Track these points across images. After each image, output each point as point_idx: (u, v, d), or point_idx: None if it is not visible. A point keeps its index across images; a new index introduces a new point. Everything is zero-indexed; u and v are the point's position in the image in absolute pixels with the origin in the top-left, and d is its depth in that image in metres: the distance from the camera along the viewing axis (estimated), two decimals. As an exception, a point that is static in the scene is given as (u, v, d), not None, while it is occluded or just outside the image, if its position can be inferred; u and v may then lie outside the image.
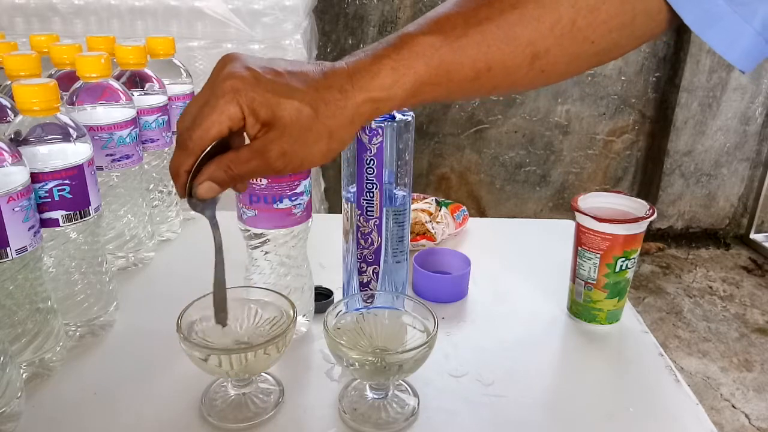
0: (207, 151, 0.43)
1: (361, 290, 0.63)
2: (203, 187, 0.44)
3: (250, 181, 0.55)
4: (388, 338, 0.54)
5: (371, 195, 0.58)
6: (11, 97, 0.58)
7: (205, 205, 0.46)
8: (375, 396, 0.54)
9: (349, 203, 0.60)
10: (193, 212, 0.92)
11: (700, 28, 0.42)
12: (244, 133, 0.43)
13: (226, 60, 0.42)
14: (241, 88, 0.40)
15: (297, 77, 0.41)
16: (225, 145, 0.44)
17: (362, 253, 0.61)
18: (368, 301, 0.56)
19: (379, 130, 0.55)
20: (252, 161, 0.42)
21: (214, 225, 0.48)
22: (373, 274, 0.62)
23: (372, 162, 0.57)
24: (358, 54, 0.43)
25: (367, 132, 0.56)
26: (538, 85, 0.46)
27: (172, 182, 0.83)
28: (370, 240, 0.61)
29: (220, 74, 0.41)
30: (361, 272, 0.62)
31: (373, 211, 0.59)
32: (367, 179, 0.58)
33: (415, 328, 0.54)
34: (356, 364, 0.49)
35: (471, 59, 0.42)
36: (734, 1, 0.41)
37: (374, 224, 0.60)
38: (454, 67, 0.42)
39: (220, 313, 0.50)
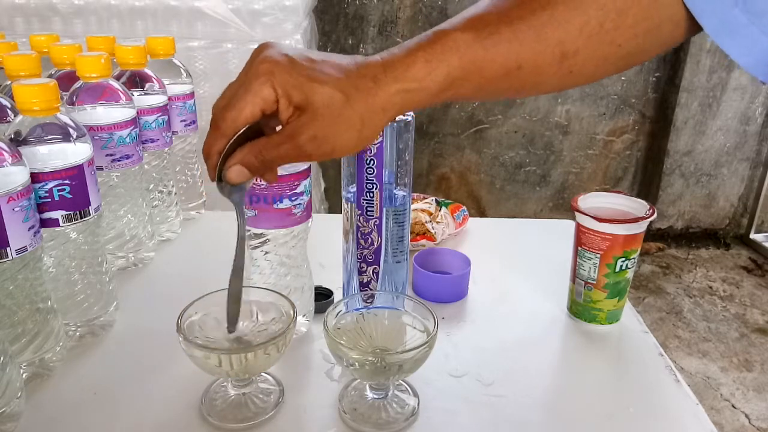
0: (240, 136, 0.43)
1: (361, 290, 0.63)
2: (233, 171, 0.44)
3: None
4: (388, 338, 0.54)
5: (371, 195, 0.58)
6: (11, 97, 0.58)
7: (233, 190, 0.46)
8: (375, 396, 0.54)
9: (349, 203, 0.60)
10: (193, 212, 0.92)
11: (719, 37, 0.43)
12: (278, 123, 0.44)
13: (263, 47, 0.43)
14: (275, 71, 0.41)
15: (331, 65, 0.42)
16: (259, 133, 0.44)
17: (362, 253, 0.61)
18: (368, 301, 0.56)
19: None
20: (283, 145, 0.43)
21: (241, 212, 0.48)
22: (373, 274, 0.62)
23: (372, 162, 0.57)
24: (392, 49, 0.44)
25: None
26: (564, 86, 0.46)
27: (172, 182, 0.84)
28: (370, 240, 0.61)
29: (257, 59, 0.42)
30: (361, 272, 0.62)
31: (373, 211, 0.59)
32: (367, 179, 0.58)
33: (415, 328, 0.54)
34: (356, 364, 0.49)
35: (502, 56, 0.43)
36: (752, 12, 0.41)
37: (374, 224, 0.60)
38: (486, 63, 0.43)
39: (234, 305, 0.50)
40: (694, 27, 0.44)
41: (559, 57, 0.43)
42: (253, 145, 0.44)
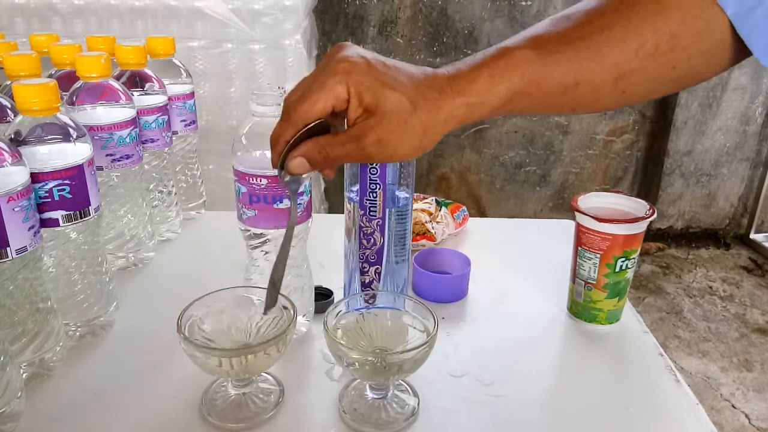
0: (308, 130, 0.45)
1: (362, 290, 0.63)
2: (296, 162, 0.46)
3: (250, 181, 0.55)
4: (388, 338, 0.54)
5: (374, 195, 0.58)
6: (11, 97, 0.58)
7: (292, 179, 0.48)
8: (375, 396, 0.54)
9: (351, 203, 0.60)
10: (193, 212, 0.92)
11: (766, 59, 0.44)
12: (344, 124, 0.46)
13: (341, 46, 0.45)
14: (352, 71, 0.43)
15: (403, 74, 0.44)
16: (324, 130, 0.46)
17: (364, 254, 0.61)
18: (370, 301, 0.56)
19: None
20: (347, 145, 0.44)
21: (295, 200, 0.50)
22: (375, 275, 0.62)
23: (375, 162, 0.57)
24: (457, 63, 0.46)
25: None
26: (618, 104, 0.48)
27: (172, 182, 0.84)
28: (372, 240, 0.61)
29: (335, 57, 0.44)
30: (363, 272, 0.62)
31: (376, 211, 0.59)
32: (370, 179, 0.58)
33: (415, 328, 0.54)
34: (356, 364, 0.49)
35: (561, 74, 0.45)
36: None
37: (377, 224, 0.60)
38: (545, 80, 0.45)
39: (273, 290, 0.51)
40: (742, 53, 0.45)
41: (615, 77, 0.45)
42: (318, 140, 0.45)
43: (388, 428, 0.52)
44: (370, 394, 0.54)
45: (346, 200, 0.61)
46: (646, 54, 0.44)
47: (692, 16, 0.44)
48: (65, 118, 0.56)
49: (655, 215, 0.64)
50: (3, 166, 0.48)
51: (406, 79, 0.44)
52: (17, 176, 0.49)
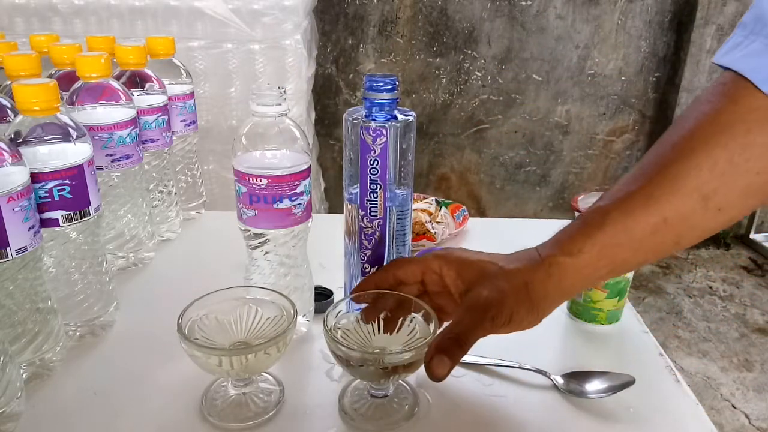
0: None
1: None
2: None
3: (250, 181, 0.56)
4: (388, 338, 0.54)
5: (375, 195, 0.58)
6: (11, 97, 0.58)
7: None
8: (375, 396, 0.54)
9: (352, 204, 0.60)
10: (193, 212, 0.92)
11: None
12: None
13: None
14: None
15: None
16: None
17: (365, 254, 0.61)
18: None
19: (383, 131, 0.55)
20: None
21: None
22: (373, 274, 0.62)
23: (376, 162, 0.57)
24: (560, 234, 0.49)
25: (371, 133, 0.55)
26: (721, 224, 0.48)
27: (172, 182, 0.84)
28: (373, 241, 0.60)
29: None
30: (364, 273, 0.62)
31: (376, 211, 0.59)
32: (371, 180, 0.58)
33: (414, 327, 0.54)
34: (356, 364, 0.49)
35: (644, 217, 0.46)
36: None
37: (378, 225, 0.60)
38: (630, 225, 0.46)
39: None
40: None
41: (701, 201, 0.45)
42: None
43: (388, 428, 0.52)
44: (370, 394, 0.54)
45: (346, 200, 0.61)
46: (722, 171, 0.45)
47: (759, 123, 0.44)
48: (65, 118, 0.56)
49: (655, 215, 0.64)
50: (3, 166, 0.48)
51: None
52: (17, 176, 0.49)
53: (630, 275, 0.65)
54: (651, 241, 0.47)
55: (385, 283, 0.54)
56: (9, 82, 0.62)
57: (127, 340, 0.64)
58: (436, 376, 0.45)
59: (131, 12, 1.55)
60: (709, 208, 0.46)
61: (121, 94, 0.68)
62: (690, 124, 0.47)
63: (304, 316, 0.63)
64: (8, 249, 0.49)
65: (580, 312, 0.68)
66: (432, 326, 0.51)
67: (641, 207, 0.46)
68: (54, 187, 0.55)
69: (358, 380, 0.55)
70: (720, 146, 0.44)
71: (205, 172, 1.62)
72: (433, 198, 0.93)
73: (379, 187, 0.58)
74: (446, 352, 0.45)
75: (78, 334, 0.62)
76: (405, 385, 0.56)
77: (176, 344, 0.49)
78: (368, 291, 0.55)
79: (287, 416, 0.53)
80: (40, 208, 0.54)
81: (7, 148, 0.49)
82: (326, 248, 0.72)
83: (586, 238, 0.47)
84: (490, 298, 0.47)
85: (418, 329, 0.53)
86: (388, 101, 0.56)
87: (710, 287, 2.27)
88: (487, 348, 0.63)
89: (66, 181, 0.55)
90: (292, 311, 0.52)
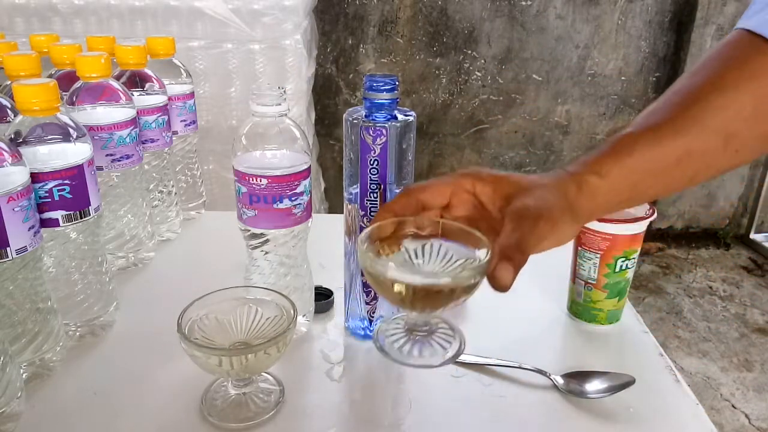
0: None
1: (364, 291, 0.63)
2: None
3: (250, 181, 0.56)
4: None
5: (375, 195, 0.58)
6: (11, 97, 0.58)
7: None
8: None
9: (351, 204, 0.60)
10: (193, 212, 0.92)
11: None
12: None
13: None
14: None
15: None
16: None
17: (363, 254, 0.61)
18: None
19: (383, 131, 0.55)
20: None
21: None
22: (373, 274, 0.62)
23: (376, 162, 0.57)
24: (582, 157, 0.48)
25: (371, 132, 0.55)
26: (734, 165, 0.50)
27: (172, 182, 0.84)
28: (371, 240, 0.60)
29: None
30: (364, 273, 0.62)
31: (376, 211, 0.59)
32: (371, 180, 0.58)
33: (447, 252, 0.48)
34: (402, 290, 0.43)
35: (671, 147, 0.47)
36: None
37: (376, 224, 0.60)
38: (657, 154, 0.47)
39: None
40: None
41: (723, 140, 0.47)
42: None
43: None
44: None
45: (345, 200, 0.61)
46: (747, 116, 0.46)
47: None
48: (65, 118, 0.56)
49: (655, 215, 0.64)
50: (3, 166, 0.48)
51: None
52: (17, 176, 0.49)
53: (630, 275, 0.65)
54: (673, 172, 0.48)
55: (407, 210, 0.48)
56: (9, 82, 0.62)
57: (127, 340, 0.64)
58: (501, 285, 0.43)
59: (131, 12, 1.54)
60: (729, 148, 0.47)
61: (121, 94, 0.68)
62: (718, 69, 0.48)
63: (304, 316, 0.63)
64: (8, 249, 0.49)
65: (580, 312, 0.68)
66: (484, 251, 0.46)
67: (670, 137, 0.47)
68: (54, 187, 0.55)
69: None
70: (749, 93, 0.46)
71: (205, 172, 1.62)
72: (433, 198, 0.92)
73: (379, 187, 0.58)
74: (510, 260, 0.43)
75: (78, 334, 0.62)
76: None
77: (176, 344, 0.49)
78: (389, 220, 0.46)
79: (287, 416, 0.53)
80: (40, 208, 0.54)
81: (7, 148, 0.49)
82: (326, 248, 0.72)
83: (614, 161, 0.47)
84: (538, 206, 0.45)
85: (454, 255, 0.48)
86: (388, 101, 0.56)
87: (710, 287, 2.27)
88: (487, 348, 0.63)
89: (66, 181, 0.55)
90: (292, 311, 0.52)
